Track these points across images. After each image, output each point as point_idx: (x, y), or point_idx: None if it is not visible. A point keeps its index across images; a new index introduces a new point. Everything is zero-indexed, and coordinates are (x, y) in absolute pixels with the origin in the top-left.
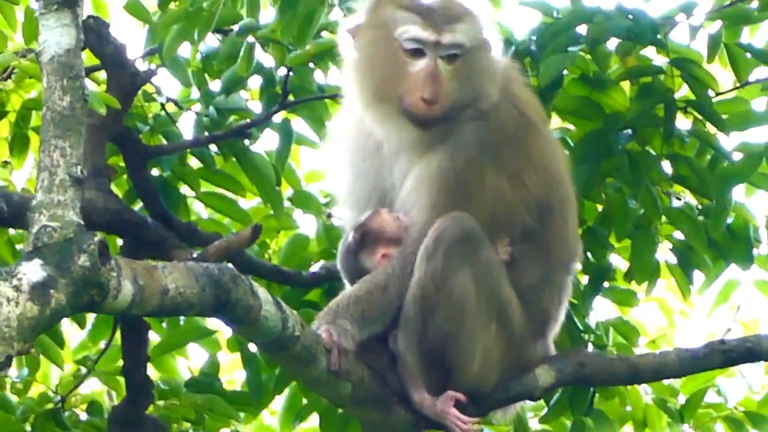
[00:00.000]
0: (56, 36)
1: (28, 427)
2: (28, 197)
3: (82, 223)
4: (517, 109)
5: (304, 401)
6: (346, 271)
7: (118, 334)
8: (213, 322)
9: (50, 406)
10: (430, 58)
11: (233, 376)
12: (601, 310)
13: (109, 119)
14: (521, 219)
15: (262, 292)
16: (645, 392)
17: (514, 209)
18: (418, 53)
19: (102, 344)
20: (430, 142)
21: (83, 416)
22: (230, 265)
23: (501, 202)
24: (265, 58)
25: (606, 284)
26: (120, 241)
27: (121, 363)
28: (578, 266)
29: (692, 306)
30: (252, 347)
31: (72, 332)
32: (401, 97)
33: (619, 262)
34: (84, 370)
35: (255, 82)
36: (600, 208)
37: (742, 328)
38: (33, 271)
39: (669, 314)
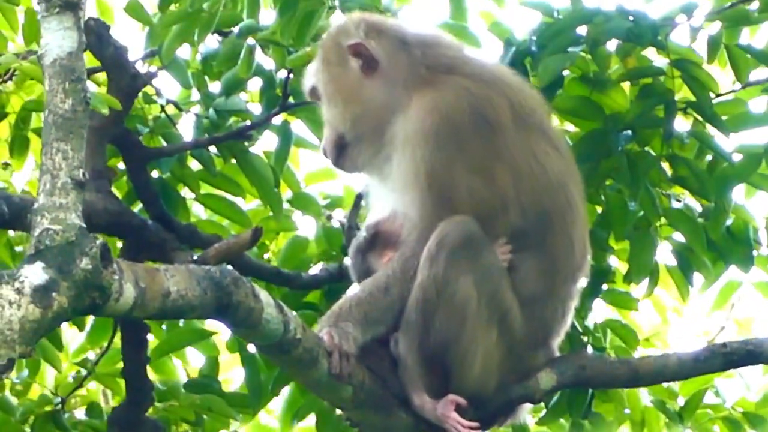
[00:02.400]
0: (58, 39)
1: (28, 429)
2: (29, 199)
3: (84, 226)
4: (468, 103)
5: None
6: (355, 270)
7: (117, 336)
8: (211, 324)
9: (50, 407)
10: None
11: (228, 375)
12: (600, 311)
13: (109, 121)
14: (506, 220)
15: (264, 295)
16: (644, 394)
17: (496, 208)
18: None
19: (101, 346)
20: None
21: (82, 417)
22: (230, 267)
23: (479, 201)
24: (264, 60)
25: (605, 286)
26: (120, 243)
27: (120, 365)
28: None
29: (684, 303)
30: (251, 348)
31: (71, 334)
32: None
33: (618, 264)
34: (84, 371)
35: (254, 84)
36: (599, 209)
37: (736, 326)
38: (35, 273)
39: (663, 312)
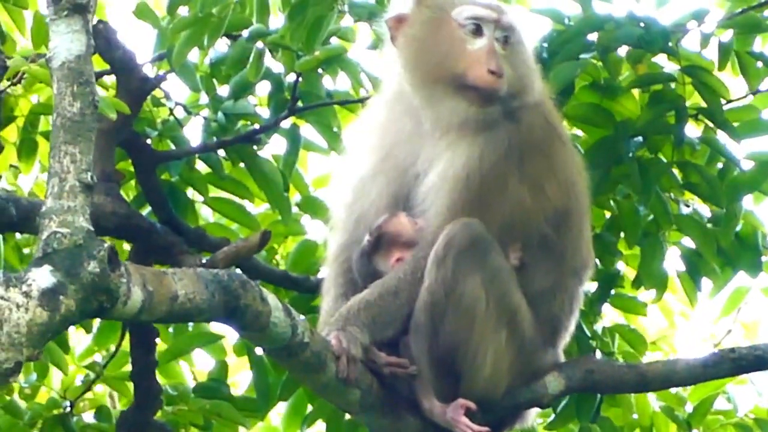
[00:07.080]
0: (66, 42)
1: None
2: (37, 202)
3: (92, 229)
4: (544, 116)
5: (310, 407)
6: (360, 273)
7: (126, 339)
8: (217, 327)
9: (58, 411)
10: (488, 37)
11: (235, 378)
12: (609, 317)
13: (118, 124)
14: (538, 227)
15: (272, 298)
16: (653, 399)
17: (532, 218)
18: (477, 32)
19: (108, 349)
20: (468, 133)
21: (91, 421)
22: (239, 270)
23: (520, 210)
24: (273, 63)
25: (613, 292)
26: (128, 247)
27: (128, 368)
28: (590, 275)
29: (692, 308)
30: (259, 350)
31: (78, 337)
32: (463, 74)
33: (626, 269)
34: (92, 375)
35: (263, 87)
36: (608, 214)
37: (743, 329)
38: (43, 277)
39: (669, 315)
